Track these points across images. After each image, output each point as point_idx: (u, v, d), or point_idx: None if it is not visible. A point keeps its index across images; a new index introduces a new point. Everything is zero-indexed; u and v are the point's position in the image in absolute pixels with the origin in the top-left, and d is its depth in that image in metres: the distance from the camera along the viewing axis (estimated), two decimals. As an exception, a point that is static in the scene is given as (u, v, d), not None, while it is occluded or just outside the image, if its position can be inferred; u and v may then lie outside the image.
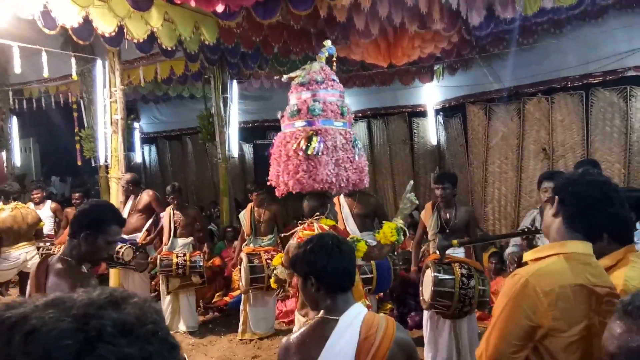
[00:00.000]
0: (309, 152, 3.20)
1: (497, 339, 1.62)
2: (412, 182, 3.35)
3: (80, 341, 0.61)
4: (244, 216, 5.90)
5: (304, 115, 3.34)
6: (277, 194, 3.49)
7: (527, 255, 1.78)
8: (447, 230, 4.38)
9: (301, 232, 3.17)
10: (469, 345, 4.19)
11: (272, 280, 3.62)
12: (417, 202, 3.25)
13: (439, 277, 3.92)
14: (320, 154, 3.20)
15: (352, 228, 4.76)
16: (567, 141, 7.40)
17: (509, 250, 4.46)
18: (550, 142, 7.55)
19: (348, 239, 3.20)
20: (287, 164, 3.29)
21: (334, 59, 3.60)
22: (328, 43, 3.58)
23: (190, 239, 5.88)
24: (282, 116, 3.54)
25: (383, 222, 3.27)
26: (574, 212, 1.67)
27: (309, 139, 3.22)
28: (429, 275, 4.02)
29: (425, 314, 4.39)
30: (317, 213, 3.24)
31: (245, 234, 5.88)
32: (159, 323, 0.69)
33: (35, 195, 6.97)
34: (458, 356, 4.21)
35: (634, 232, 2.64)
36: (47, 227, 7.02)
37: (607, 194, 1.64)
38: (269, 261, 5.30)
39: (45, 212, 7.02)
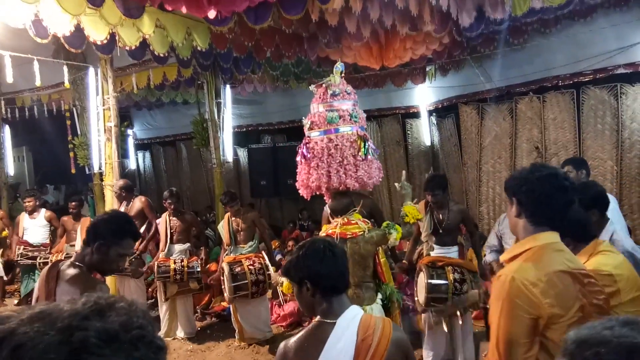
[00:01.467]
0: (367, 154, 3.57)
1: (506, 344, 1.61)
2: (404, 171, 3.83)
3: (65, 353, 0.62)
4: (222, 227, 5.87)
5: (347, 122, 3.62)
6: (305, 195, 3.74)
7: (503, 257, 1.84)
8: (441, 231, 4.40)
9: (339, 228, 3.40)
10: (462, 343, 4.21)
11: (284, 287, 3.60)
12: (411, 186, 3.73)
13: (432, 283, 3.96)
14: (372, 156, 3.63)
15: None
16: (559, 139, 7.45)
17: (487, 258, 4.49)
18: (543, 141, 7.60)
19: (383, 224, 3.50)
20: (343, 164, 3.54)
21: (342, 74, 3.91)
22: (338, 61, 3.95)
23: (187, 244, 5.86)
24: (312, 122, 3.69)
25: (384, 221, 3.63)
26: (534, 209, 1.73)
27: (361, 143, 3.58)
28: (422, 280, 4.05)
29: (423, 317, 4.42)
30: (354, 208, 3.55)
31: (225, 244, 5.84)
32: (145, 327, 0.70)
33: (27, 204, 6.94)
34: (453, 354, 4.24)
35: (605, 226, 2.81)
36: (42, 235, 6.99)
37: (559, 184, 1.70)
38: (250, 267, 5.28)
39: (40, 221, 6.99)
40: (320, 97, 3.71)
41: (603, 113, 7.04)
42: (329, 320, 1.79)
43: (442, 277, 3.99)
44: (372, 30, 5.49)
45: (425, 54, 6.68)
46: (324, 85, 3.71)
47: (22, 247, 6.72)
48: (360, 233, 3.39)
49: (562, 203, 1.72)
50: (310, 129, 3.66)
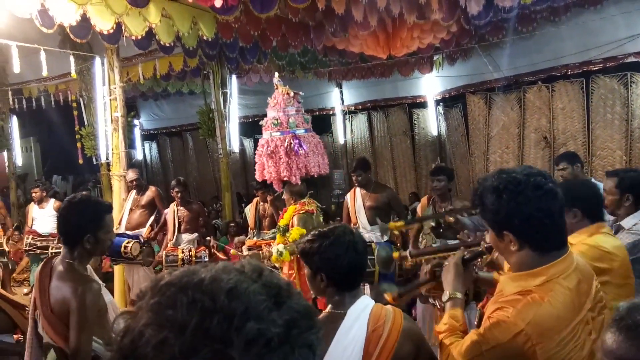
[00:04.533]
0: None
1: None
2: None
3: (271, 297, 0.64)
4: (249, 210, 6.00)
5: (309, 123, 4.51)
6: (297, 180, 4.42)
7: (508, 287, 1.54)
8: (443, 225, 4.36)
9: (313, 206, 4.22)
10: None
11: (274, 258, 4.12)
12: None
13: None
14: None
15: (362, 221, 4.77)
16: (568, 129, 7.39)
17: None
18: (551, 131, 7.54)
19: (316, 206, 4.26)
20: (323, 156, 4.50)
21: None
22: (276, 74, 4.72)
23: (195, 234, 5.90)
24: (296, 121, 4.37)
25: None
26: (541, 237, 1.46)
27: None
28: (423, 268, 4.02)
29: (419, 309, 4.35)
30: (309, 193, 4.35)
31: (249, 228, 5.98)
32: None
33: (34, 195, 7.00)
34: None
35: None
36: (51, 225, 7.02)
37: (548, 191, 1.44)
38: (266, 253, 5.39)
39: (49, 211, 7.03)
40: (292, 102, 4.40)
41: (613, 102, 6.96)
42: (339, 311, 1.77)
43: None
44: (379, 18, 5.43)
45: (433, 43, 6.62)
46: (291, 92, 4.40)
47: (31, 236, 6.77)
48: (315, 209, 4.26)
49: (560, 209, 1.46)
50: (296, 126, 4.30)
